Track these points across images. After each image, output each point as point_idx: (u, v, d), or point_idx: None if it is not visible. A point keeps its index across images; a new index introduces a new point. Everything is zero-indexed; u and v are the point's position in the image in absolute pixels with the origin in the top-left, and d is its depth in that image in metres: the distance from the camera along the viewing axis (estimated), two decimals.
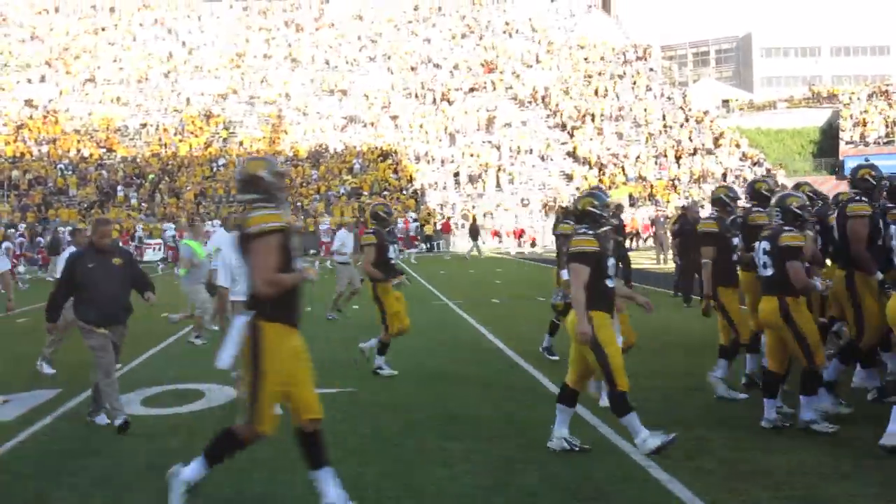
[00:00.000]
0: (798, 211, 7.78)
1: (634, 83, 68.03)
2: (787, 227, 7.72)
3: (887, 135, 61.25)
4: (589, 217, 7.14)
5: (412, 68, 72.21)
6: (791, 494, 5.91)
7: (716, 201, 9.78)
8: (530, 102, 66.42)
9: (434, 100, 67.30)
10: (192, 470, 5.61)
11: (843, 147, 61.25)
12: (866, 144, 60.78)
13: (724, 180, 52.19)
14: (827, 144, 64.85)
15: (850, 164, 54.40)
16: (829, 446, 7.09)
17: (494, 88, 68.42)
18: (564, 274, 10.78)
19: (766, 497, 5.86)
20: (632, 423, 6.82)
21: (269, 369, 5.45)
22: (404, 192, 54.43)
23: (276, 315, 5.50)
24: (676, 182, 54.62)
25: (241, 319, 5.59)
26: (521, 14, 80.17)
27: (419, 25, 79.97)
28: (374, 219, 11.13)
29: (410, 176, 56.20)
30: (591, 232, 7.05)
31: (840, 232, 8.62)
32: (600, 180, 53.61)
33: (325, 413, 5.64)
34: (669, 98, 66.82)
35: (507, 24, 79.29)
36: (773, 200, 8.08)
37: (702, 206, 27.34)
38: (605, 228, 7.09)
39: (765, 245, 7.83)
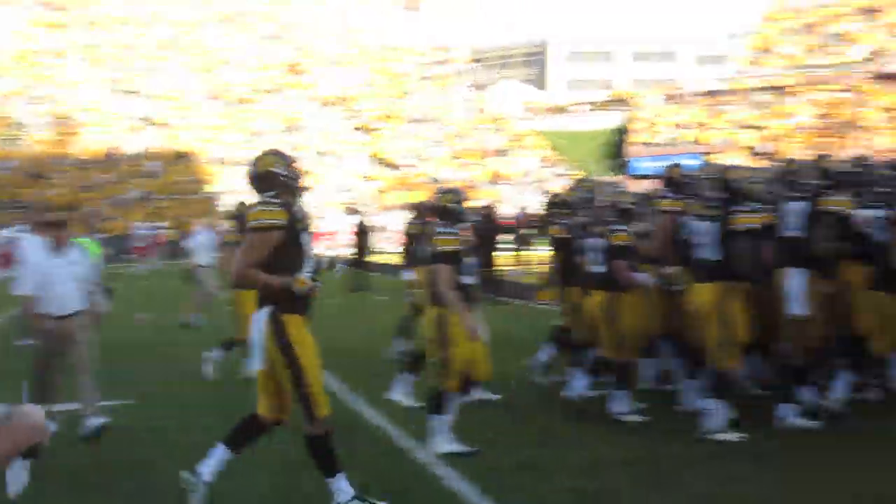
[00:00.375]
0: (628, 207, 8.44)
1: (437, 85, 68.60)
2: (617, 227, 8.25)
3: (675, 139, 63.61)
4: (449, 215, 7.30)
5: (212, 69, 70.66)
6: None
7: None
8: (333, 104, 66.03)
9: (235, 101, 66.05)
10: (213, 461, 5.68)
11: (632, 149, 63.10)
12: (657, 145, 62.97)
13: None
14: (619, 146, 66.81)
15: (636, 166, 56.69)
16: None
17: (297, 90, 67.72)
18: (407, 275, 11.08)
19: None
20: (441, 426, 7.01)
21: (305, 359, 5.43)
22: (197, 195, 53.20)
23: (295, 307, 5.45)
24: (473, 184, 55.36)
25: (261, 315, 5.48)
26: (329, 15, 79.57)
27: (222, 25, 78.31)
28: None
29: (208, 180, 54.99)
30: (452, 231, 7.16)
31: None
32: (402, 181, 53.85)
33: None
34: (470, 100, 67.68)
35: (314, 24, 78.58)
36: (599, 199, 8.68)
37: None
38: (463, 226, 7.26)
39: (595, 243, 8.36)
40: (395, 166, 57.09)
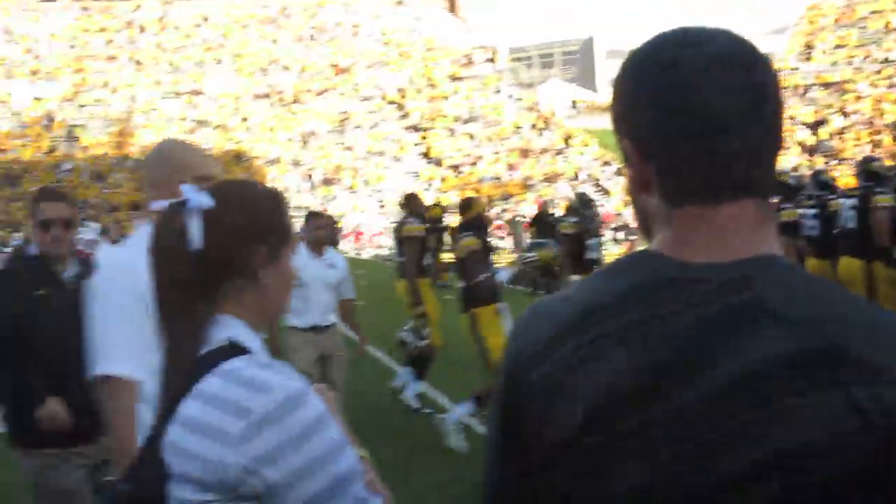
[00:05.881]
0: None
1: (483, 84, 68.69)
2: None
3: None
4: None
5: (261, 70, 71.17)
6: None
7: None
8: (381, 104, 66.36)
9: (284, 102, 66.56)
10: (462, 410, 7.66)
11: None
12: None
13: (577, 179, 53.39)
14: None
15: None
16: None
17: (344, 91, 68.08)
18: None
19: None
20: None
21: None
22: None
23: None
24: (529, 182, 55.42)
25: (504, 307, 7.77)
26: (368, 16, 79.93)
27: (265, 27, 78.82)
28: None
29: (262, 180, 55.38)
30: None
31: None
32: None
33: None
34: (518, 99, 67.72)
35: (354, 25, 78.94)
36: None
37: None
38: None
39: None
40: (447, 166, 57.24)
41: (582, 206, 13.73)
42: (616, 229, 38.59)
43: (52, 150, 59.01)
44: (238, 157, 58.27)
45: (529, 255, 9.44)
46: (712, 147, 1.21)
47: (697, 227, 1.23)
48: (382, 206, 53.20)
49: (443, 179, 55.52)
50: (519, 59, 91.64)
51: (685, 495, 1.13)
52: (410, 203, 11.32)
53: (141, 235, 3.12)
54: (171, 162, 3.18)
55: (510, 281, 9.36)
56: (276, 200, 1.93)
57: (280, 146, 60.12)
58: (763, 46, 1.33)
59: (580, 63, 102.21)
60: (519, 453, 1.33)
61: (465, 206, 8.67)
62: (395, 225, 12.02)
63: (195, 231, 1.73)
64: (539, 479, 1.29)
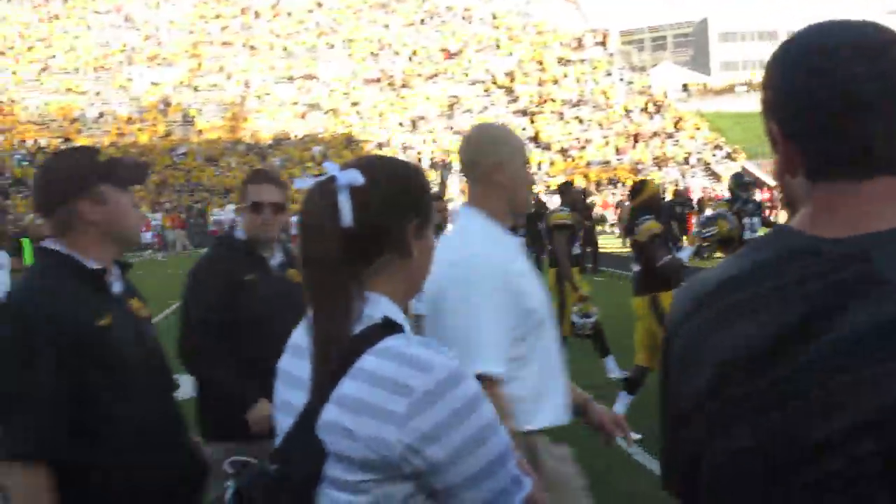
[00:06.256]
0: None
1: (594, 68, 68.12)
2: None
3: None
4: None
5: (372, 54, 71.80)
6: None
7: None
8: (491, 88, 66.33)
9: (394, 86, 67.06)
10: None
11: None
12: None
13: (687, 164, 52.57)
14: None
15: None
16: None
17: (454, 75, 68.24)
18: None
19: None
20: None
21: None
22: None
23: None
24: (639, 166, 54.83)
25: None
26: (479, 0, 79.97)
27: (377, 12, 79.49)
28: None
29: None
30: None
31: None
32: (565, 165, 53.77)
33: None
34: (630, 83, 66.98)
35: (465, 9, 79.04)
36: None
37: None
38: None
39: None
40: (555, 150, 56.98)
41: (738, 187, 13.61)
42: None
43: (167, 134, 60.63)
44: (348, 141, 58.95)
45: (707, 230, 9.20)
46: (856, 128, 1.29)
47: (835, 203, 1.32)
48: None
49: (551, 163, 55.27)
50: (630, 42, 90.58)
51: (790, 455, 1.23)
52: (566, 192, 11.36)
53: (472, 224, 3.09)
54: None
55: (690, 258, 9.20)
56: (420, 174, 1.92)
57: (389, 130, 60.60)
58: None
59: (693, 46, 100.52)
60: (666, 410, 1.53)
61: (638, 189, 8.42)
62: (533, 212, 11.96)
63: (346, 208, 1.72)
64: (677, 435, 1.48)
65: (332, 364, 1.70)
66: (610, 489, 5.75)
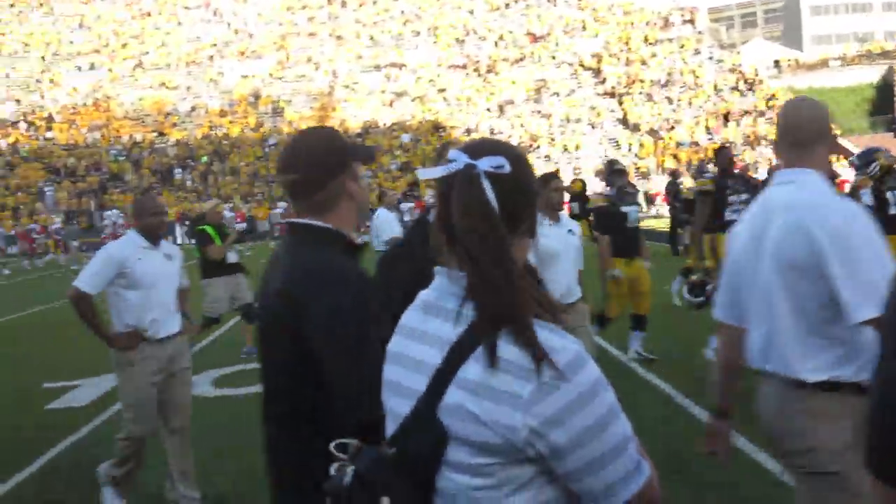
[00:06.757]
0: None
1: (682, 47, 67.08)
2: None
3: None
4: None
5: (458, 40, 71.75)
6: None
7: None
8: (578, 71, 65.81)
9: (480, 72, 66.94)
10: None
11: None
12: None
13: None
14: (882, 102, 63.56)
15: None
16: None
17: (541, 58, 67.85)
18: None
19: None
20: None
21: None
22: None
23: None
24: (731, 145, 53.86)
25: None
26: None
27: None
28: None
29: None
30: None
31: None
32: (655, 146, 53.16)
33: None
34: (720, 61, 65.82)
35: None
36: None
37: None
38: None
39: None
40: (644, 131, 56.31)
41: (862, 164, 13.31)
42: None
43: (258, 126, 61.46)
44: (436, 128, 59.08)
45: (871, 169, 9.17)
46: None
47: None
48: (578, 173, 52.85)
49: (641, 145, 54.66)
50: (719, 20, 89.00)
51: None
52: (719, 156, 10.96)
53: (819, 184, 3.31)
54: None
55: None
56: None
57: (477, 116, 60.54)
58: None
59: (784, 20, 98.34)
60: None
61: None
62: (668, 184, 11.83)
63: (491, 193, 1.73)
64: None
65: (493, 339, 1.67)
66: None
